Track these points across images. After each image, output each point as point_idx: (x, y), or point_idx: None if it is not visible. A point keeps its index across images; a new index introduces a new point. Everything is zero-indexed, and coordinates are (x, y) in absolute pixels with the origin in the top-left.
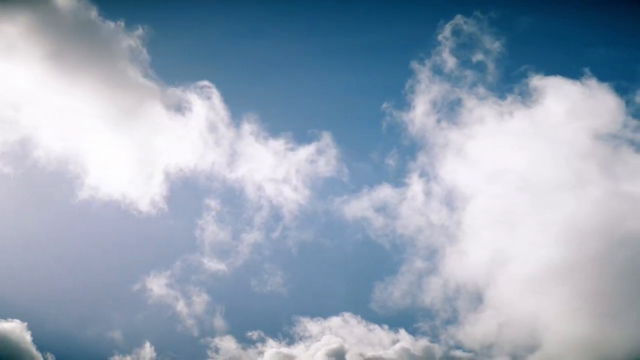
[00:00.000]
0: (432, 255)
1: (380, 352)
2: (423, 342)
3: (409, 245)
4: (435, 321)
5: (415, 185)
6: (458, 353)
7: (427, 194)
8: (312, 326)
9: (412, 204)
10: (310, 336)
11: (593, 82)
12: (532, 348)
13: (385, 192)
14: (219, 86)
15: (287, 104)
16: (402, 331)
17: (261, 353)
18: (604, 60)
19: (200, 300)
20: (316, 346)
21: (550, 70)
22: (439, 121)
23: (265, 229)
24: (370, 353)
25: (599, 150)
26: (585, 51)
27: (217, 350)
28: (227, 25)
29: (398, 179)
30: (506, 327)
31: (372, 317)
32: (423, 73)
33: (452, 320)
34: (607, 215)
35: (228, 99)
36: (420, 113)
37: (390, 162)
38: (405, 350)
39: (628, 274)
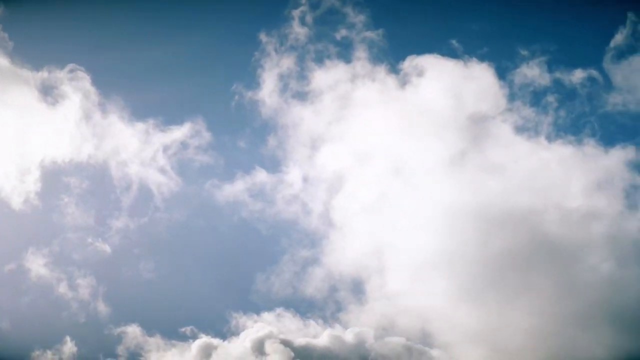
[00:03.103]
0: (313, 244)
1: (312, 340)
2: (354, 330)
3: (284, 235)
4: (325, 312)
5: (292, 171)
6: (390, 339)
7: (303, 179)
8: (243, 319)
9: (287, 190)
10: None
11: (471, 61)
12: (425, 338)
13: (259, 177)
14: (88, 69)
15: (158, 87)
16: (337, 325)
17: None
18: (479, 36)
19: (85, 283)
20: (246, 333)
21: (422, 45)
22: (289, 100)
23: (137, 212)
24: (301, 339)
25: (476, 130)
26: (459, 27)
27: (121, 340)
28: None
29: (271, 164)
30: (395, 318)
31: (303, 311)
32: (270, 45)
33: (340, 310)
34: (484, 196)
35: (98, 81)
36: (268, 91)
37: (260, 146)
38: (337, 338)
39: (509, 256)
